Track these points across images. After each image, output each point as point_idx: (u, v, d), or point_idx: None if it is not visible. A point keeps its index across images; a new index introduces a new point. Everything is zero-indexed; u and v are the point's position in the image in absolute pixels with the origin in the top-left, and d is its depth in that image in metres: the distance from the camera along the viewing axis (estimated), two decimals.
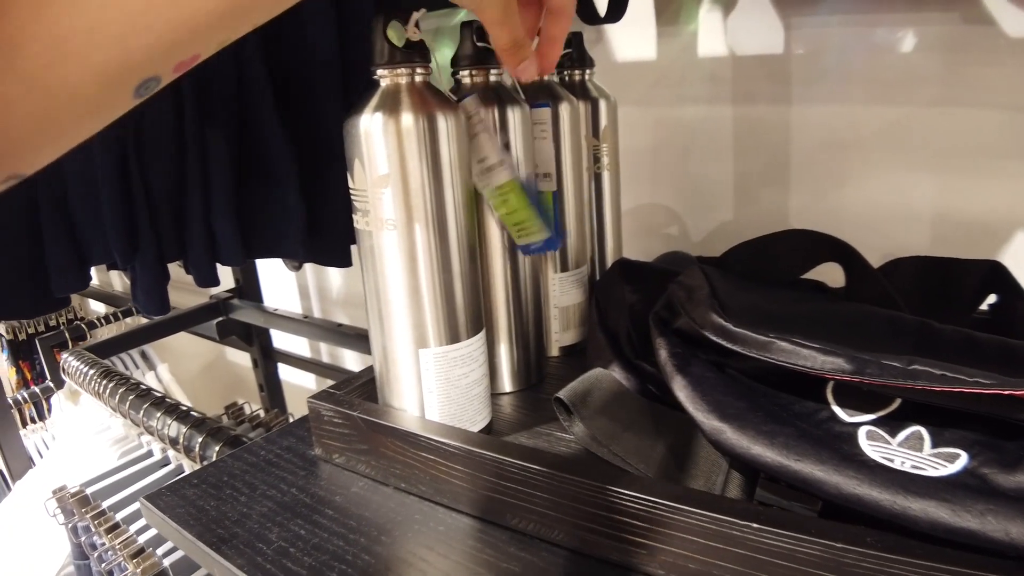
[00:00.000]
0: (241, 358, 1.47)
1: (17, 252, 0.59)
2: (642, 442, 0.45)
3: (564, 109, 0.58)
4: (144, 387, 0.85)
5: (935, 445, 0.35)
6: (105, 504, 0.80)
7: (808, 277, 0.55)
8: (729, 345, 0.41)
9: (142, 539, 0.75)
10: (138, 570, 0.70)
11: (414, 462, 0.46)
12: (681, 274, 0.52)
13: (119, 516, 0.78)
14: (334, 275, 1.23)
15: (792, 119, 0.72)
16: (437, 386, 0.47)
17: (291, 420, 0.87)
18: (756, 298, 0.47)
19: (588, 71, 0.64)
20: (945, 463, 0.34)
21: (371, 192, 0.45)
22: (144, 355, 1.16)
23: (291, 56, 0.68)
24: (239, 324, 1.14)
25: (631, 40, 0.79)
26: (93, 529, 0.79)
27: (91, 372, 0.89)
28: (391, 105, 0.44)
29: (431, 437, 0.44)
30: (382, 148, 0.44)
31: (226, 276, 1.28)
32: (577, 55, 0.63)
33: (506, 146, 0.50)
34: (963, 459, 0.34)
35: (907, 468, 0.34)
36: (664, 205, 0.83)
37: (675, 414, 0.47)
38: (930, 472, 0.34)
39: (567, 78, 0.63)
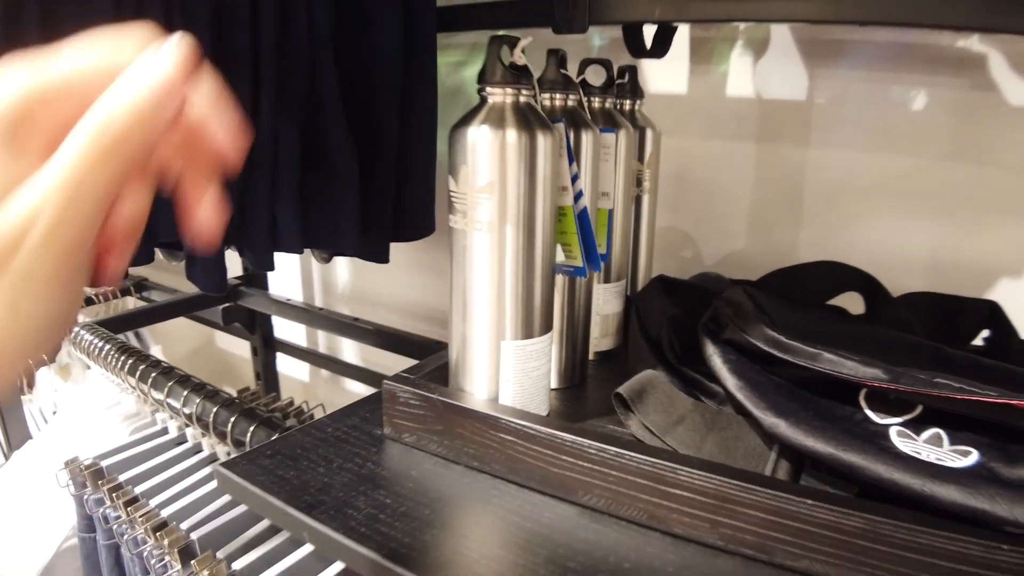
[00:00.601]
0: (232, 345, 1.51)
1: None
2: (691, 436, 0.54)
3: (622, 135, 0.67)
4: (166, 364, 0.89)
5: (952, 443, 0.44)
6: (121, 478, 0.85)
7: (831, 303, 0.64)
8: (780, 355, 0.50)
9: (164, 513, 0.79)
10: (164, 542, 0.75)
11: (491, 443, 0.53)
12: (724, 292, 0.61)
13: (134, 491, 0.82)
14: (341, 270, 1.29)
15: (809, 161, 0.82)
16: (513, 375, 0.55)
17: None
18: (794, 317, 0.57)
19: (639, 101, 0.73)
20: (961, 457, 0.43)
21: (471, 196, 0.52)
22: (138, 336, 1.20)
23: (356, 56, 0.75)
24: (244, 311, 1.19)
25: (665, 74, 0.88)
26: (109, 502, 0.83)
27: (107, 347, 0.93)
28: (497, 120, 0.52)
29: (515, 421, 0.51)
30: (487, 158, 0.51)
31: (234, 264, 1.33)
32: (631, 86, 0.72)
33: (575, 176, 0.58)
34: (975, 455, 0.43)
35: (932, 459, 0.43)
36: (681, 229, 0.92)
37: (721, 412, 0.56)
38: (950, 463, 0.43)
39: (619, 106, 0.72)
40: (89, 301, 1.22)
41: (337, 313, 1.09)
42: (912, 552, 0.40)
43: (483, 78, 0.52)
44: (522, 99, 0.53)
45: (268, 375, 1.29)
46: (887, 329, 0.56)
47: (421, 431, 0.57)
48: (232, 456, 0.86)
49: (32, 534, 0.91)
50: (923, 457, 0.44)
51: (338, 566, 0.71)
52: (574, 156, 0.57)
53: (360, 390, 1.31)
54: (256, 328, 1.23)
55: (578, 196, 0.57)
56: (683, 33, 0.86)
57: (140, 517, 0.78)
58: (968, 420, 0.46)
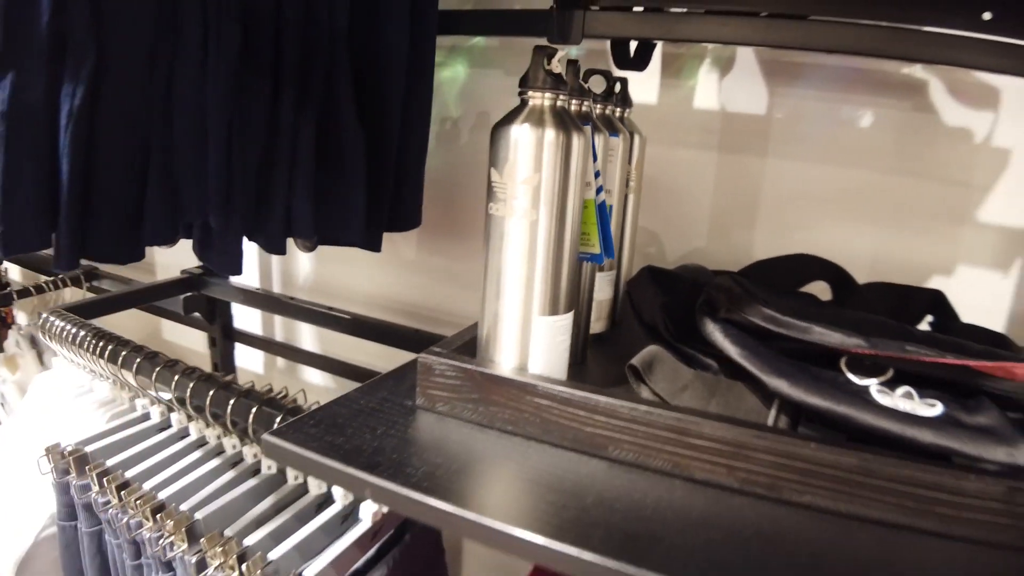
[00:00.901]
0: (181, 337, 1.50)
1: (122, 198, 0.67)
2: (697, 400, 0.63)
3: (621, 139, 0.76)
4: (149, 349, 0.91)
5: (921, 398, 0.56)
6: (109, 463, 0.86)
7: (803, 291, 0.76)
8: (775, 329, 0.61)
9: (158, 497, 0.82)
10: (168, 523, 0.77)
11: (527, 408, 0.60)
12: (714, 280, 0.71)
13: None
14: (304, 260, 1.32)
15: (766, 170, 0.94)
16: (543, 348, 0.63)
17: None
18: (779, 300, 0.67)
19: (628, 110, 0.83)
20: (930, 408, 0.55)
21: (511, 187, 0.60)
22: None
23: (366, 56, 0.81)
24: (205, 300, 1.20)
25: (638, 86, 0.98)
26: (97, 487, 0.84)
27: (82, 333, 0.94)
28: (537, 120, 0.59)
29: (554, 387, 0.59)
30: (528, 154, 0.59)
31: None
32: (622, 96, 0.82)
33: (596, 173, 0.67)
34: (940, 407, 0.55)
35: (908, 410, 0.54)
36: (648, 228, 1.03)
37: (719, 380, 0.66)
38: (922, 413, 0.54)
39: (614, 113, 0.81)
40: (40, 290, 1.20)
41: (310, 302, 1.13)
42: (898, 483, 0.50)
43: (525, 83, 0.60)
44: (559, 103, 0.61)
45: (226, 366, 1.30)
46: (855, 311, 0.67)
47: (456, 400, 0.63)
48: (222, 437, 0.90)
49: (7, 525, 0.90)
50: (900, 408, 0.55)
51: (347, 540, 0.76)
52: (596, 156, 0.66)
53: (318, 379, 1.35)
54: (216, 318, 1.25)
55: (599, 191, 0.66)
56: (656, 49, 0.96)
57: (136, 501, 0.80)
58: (930, 380, 0.57)
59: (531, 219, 0.60)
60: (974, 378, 0.56)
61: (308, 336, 1.36)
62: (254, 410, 0.81)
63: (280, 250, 0.77)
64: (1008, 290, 0.82)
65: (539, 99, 0.60)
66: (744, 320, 0.63)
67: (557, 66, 0.61)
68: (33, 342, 1.21)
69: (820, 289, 0.77)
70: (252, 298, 1.17)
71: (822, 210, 0.91)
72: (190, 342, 1.49)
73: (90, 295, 1.24)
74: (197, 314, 1.20)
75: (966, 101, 0.79)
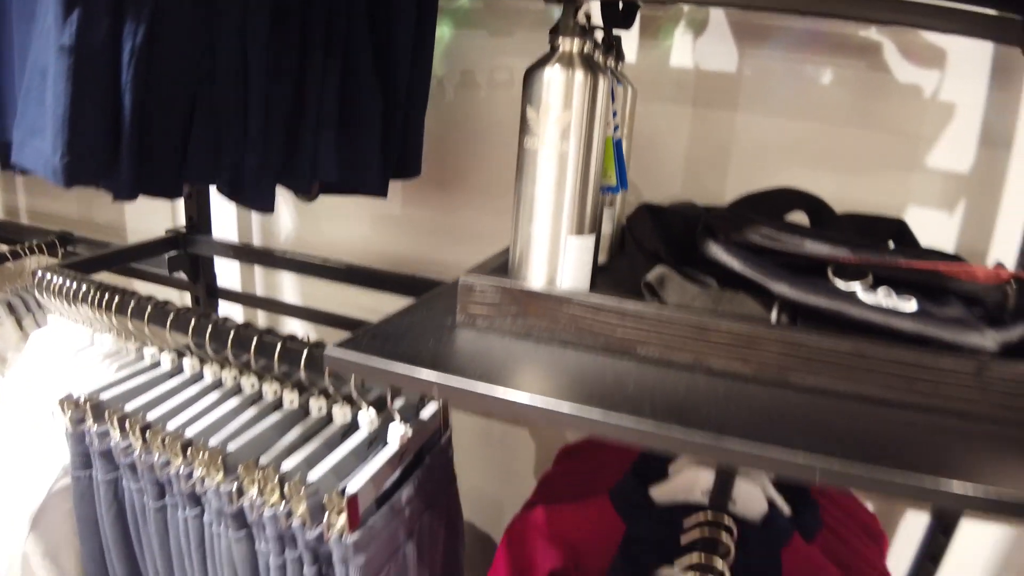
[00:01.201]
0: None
1: (172, 136, 0.72)
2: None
3: (622, 89, 0.86)
4: (157, 299, 0.95)
5: (899, 297, 0.68)
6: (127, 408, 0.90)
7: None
8: (772, 245, 0.72)
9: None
10: (203, 456, 0.82)
11: (562, 318, 0.70)
12: (709, 211, 0.82)
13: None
14: (285, 217, 1.37)
15: (736, 123, 1.06)
16: (571, 265, 0.72)
17: None
18: (770, 222, 0.79)
19: (621, 64, 0.93)
20: (907, 304, 0.67)
21: (544, 122, 0.69)
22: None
23: (381, 10, 0.88)
24: (188, 259, 1.23)
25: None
26: (119, 432, 0.88)
27: (85, 287, 0.97)
28: (567, 63, 0.69)
29: (589, 300, 0.69)
30: (559, 92, 0.68)
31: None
32: (616, 51, 0.92)
33: (614, 113, 0.77)
34: (915, 303, 0.67)
35: (889, 306, 0.66)
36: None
37: (722, 292, 0.77)
38: (902, 308, 0.66)
39: (613, 65, 0.91)
40: (16, 255, 1.21)
41: (303, 254, 1.18)
42: (886, 362, 0.62)
43: (556, 31, 0.69)
44: (586, 49, 0.70)
45: None
46: (836, 232, 0.80)
47: (496, 315, 0.72)
48: (239, 378, 0.95)
49: (19, 480, 0.93)
50: (883, 305, 0.67)
51: (381, 459, 0.84)
52: (615, 98, 0.76)
53: (303, 333, 1.40)
54: (200, 277, 1.28)
55: (615, 129, 0.76)
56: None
57: (162, 440, 0.85)
58: (905, 283, 0.70)
59: (561, 151, 0.69)
60: (941, 281, 0.68)
61: (290, 292, 1.41)
62: (279, 345, 0.87)
63: (307, 191, 0.84)
64: (953, 229, 0.97)
65: (569, 45, 0.69)
66: (743, 239, 0.74)
67: (582, 18, 0.70)
68: (11, 309, 1.21)
69: (798, 221, 0.89)
70: (243, 253, 1.21)
71: (787, 159, 1.04)
72: None
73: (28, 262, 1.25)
74: (180, 274, 1.24)
75: (916, 61, 0.93)
